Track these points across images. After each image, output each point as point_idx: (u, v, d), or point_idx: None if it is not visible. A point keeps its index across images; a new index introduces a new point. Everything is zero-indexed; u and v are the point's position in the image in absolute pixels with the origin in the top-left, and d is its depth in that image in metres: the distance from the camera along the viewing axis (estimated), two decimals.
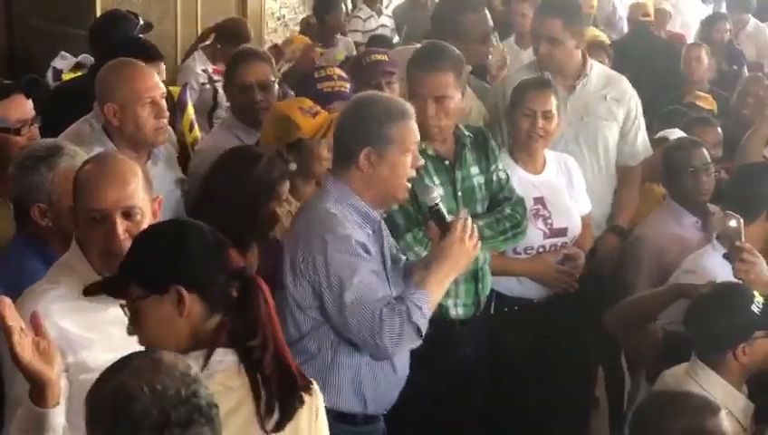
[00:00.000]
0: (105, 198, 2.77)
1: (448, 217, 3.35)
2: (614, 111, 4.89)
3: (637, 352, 4.20)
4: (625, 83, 5.01)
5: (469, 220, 3.34)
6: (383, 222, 3.45)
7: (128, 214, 2.78)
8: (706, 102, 6.47)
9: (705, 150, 4.63)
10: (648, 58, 7.55)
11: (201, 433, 1.97)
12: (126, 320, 2.48)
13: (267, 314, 2.43)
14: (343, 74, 4.49)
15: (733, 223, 3.84)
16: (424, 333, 3.22)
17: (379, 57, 4.62)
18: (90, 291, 2.52)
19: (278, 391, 2.39)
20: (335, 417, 3.03)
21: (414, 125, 3.34)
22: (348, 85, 4.40)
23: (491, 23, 5.25)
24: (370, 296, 3.18)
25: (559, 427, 4.51)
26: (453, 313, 4.00)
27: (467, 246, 3.28)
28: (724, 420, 2.96)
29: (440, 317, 3.90)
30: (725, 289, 3.60)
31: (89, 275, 2.75)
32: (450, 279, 3.32)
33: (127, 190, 2.79)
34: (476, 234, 3.33)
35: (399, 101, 3.45)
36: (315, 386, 2.57)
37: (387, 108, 3.33)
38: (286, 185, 3.69)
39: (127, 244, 2.65)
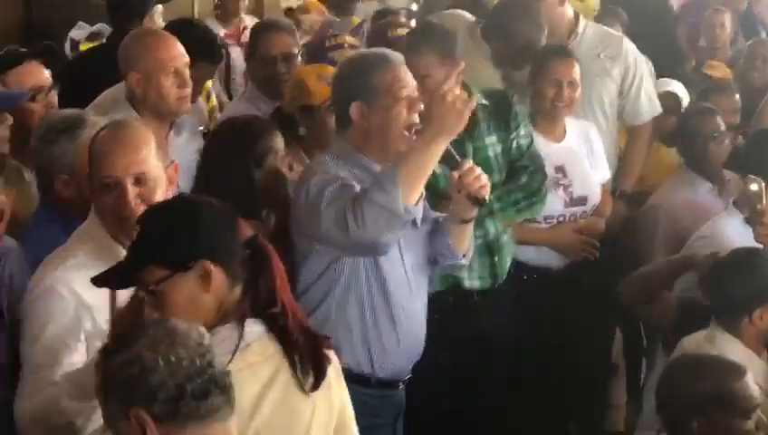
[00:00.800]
0: (115, 164, 2.80)
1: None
2: (608, 68, 4.88)
3: (652, 321, 4.22)
4: (624, 42, 5.00)
5: (470, 169, 3.19)
6: None
7: (139, 180, 2.80)
8: (718, 71, 6.39)
9: (718, 118, 4.61)
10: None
11: (216, 403, 1.96)
12: None
13: (281, 280, 2.42)
14: (355, 42, 4.49)
15: (754, 186, 3.83)
16: (402, 211, 3.00)
17: (404, 32, 4.59)
18: (100, 281, 2.47)
19: (307, 352, 2.41)
20: (349, 378, 2.97)
21: (402, 72, 3.27)
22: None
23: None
24: (342, 196, 3.12)
25: (578, 392, 4.55)
26: (467, 284, 3.99)
27: (450, 102, 3.04)
28: (751, 383, 3.01)
29: (457, 288, 3.96)
30: (742, 253, 3.61)
31: (107, 243, 2.80)
32: (438, 142, 3.07)
33: (137, 157, 2.81)
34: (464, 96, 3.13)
35: (385, 51, 3.41)
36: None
37: (369, 59, 3.32)
38: (275, 138, 3.55)
39: (139, 209, 2.66)
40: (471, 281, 4.00)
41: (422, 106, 3.25)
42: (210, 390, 1.95)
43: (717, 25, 7.03)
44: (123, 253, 2.61)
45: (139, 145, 2.83)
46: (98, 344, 2.23)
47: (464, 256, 3.45)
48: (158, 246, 2.36)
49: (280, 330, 2.38)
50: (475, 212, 3.30)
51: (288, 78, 4.40)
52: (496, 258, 4.03)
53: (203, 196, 2.56)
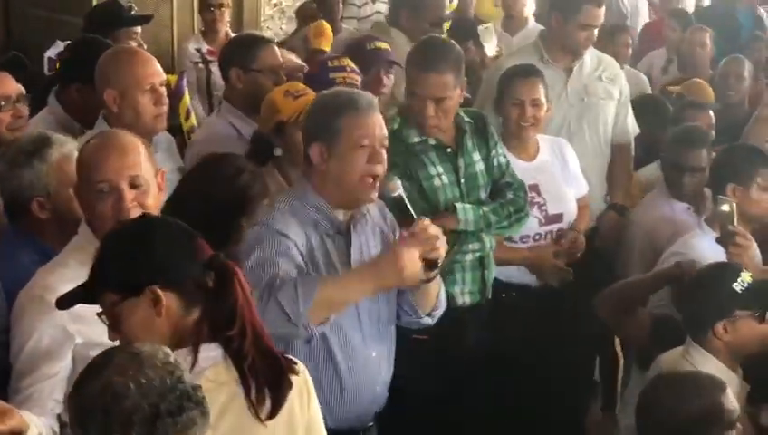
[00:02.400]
0: (110, 167, 2.82)
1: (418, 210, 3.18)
2: (610, 90, 4.96)
3: (627, 336, 4.24)
4: (615, 64, 5.11)
5: (423, 229, 2.99)
6: (362, 227, 3.22)
7: (134, 183, 2.83)
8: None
9: (702, 153, 4.58)
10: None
11: (192, 417, 1.99)
12: None
13: (244, 299, 2.36)
14: (355, 68, 4.41)
15: (725, 207, 3.84)
16: (299, 325, 2.90)
17: (383, 46, 4.60)
18: (63, 303, 2.46)
19: (265, 377, 2.35)
20: None
21: (369, 119, 3.10)
22: (359, 78, 4.34)
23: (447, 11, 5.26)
24: (265, 267, 2.97)
25: (560, 411, 4.54)
26: (460, 300, 4.01)
27: (402, 264, 2.91)
28: (731, 395, 3.04)
29: (448, 305, 3.94)
30: (709, 267, 3.62)
31: None
32: (373, 288, 2.99)
33: (130, 159, 2.84)
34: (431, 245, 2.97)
35: (355, 93, 3.25)
36: (302, 366, 2.50)
37: (337, 100, 3.15)
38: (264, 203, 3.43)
39: (135, 213, 2.68)
40: (463, 297, 4.02)
41: (384, 159, 3.10)
42: (183, 405, 1.99)
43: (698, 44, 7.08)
44: None
45: (131, 148, 2.86)
46: (92, 354, 2.24)
47: (429, 314, 3.29)
48: (109, 272, 2.35)
49: (234, 353, 2.34)
50: (431, 275, 3.06)
51: None
52: (486, 272, 4.07)
53: (165, 216, 2.54)
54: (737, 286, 3.44)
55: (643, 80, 6.87)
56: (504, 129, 4.45)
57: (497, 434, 4.30)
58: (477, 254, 3.99)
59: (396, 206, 3.16)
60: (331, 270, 3.10)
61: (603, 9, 4.86)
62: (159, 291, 2.30)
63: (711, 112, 5.38)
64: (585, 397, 5.06)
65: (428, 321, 3.33)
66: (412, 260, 2.93)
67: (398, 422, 3.45)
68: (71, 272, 2.73)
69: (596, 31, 4.86)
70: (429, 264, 3.02)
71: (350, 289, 3.00)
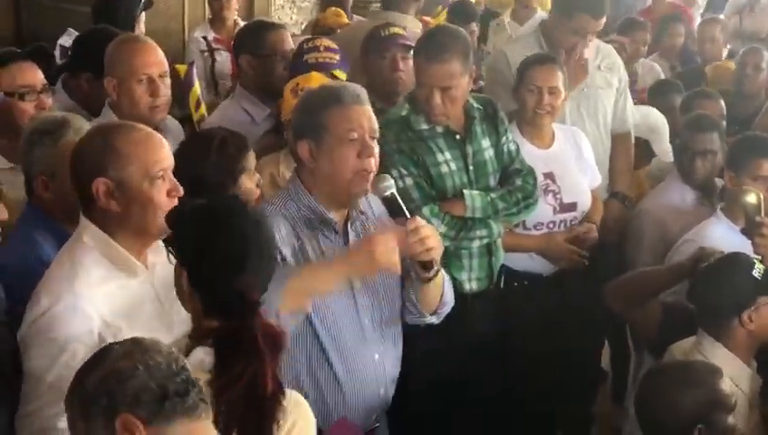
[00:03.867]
0: (163, 156, 2.76)
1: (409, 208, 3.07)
2: (609, 79, 4.94)
3: (638, 327, 4.22)
4: (614, 52, 5.08)
5: (415, 229, 2.95)
6: (360, 225, 3.17)
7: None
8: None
9: (714, 135, 4.57)
10: None
11: (195, 401, 2.00)
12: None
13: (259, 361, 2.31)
14: (332, 46, 4.38)
15: (752, 198, 3.81)
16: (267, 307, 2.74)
17: (399, 31, 4.58)
18: None
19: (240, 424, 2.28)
20: None
21: (355, 112, 3.02)
22: (336, 57, 4.30)
23: None
24: None
25: (568, 400, 4.53)
26: (467, 287, 4.01)
27: (373, 248, 2.87)
28: (727, 380, 3.06)
29: (455, 291, 3.93)
30: (724, 258, 3.60)
31: (118, 254, 2.73)
32: (345, 277, 2.98)
33: (167, 150, 2.82)
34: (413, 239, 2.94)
35: (341, 87, 3.16)
36: (294, 398, 2.44)
37: (323, 96, 3.07)
38: (249, 157, 3.47)
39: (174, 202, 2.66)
40: (470, 283, 4.01)
41: (377, 152, 3.04)
42: (189, 388, 1.99)
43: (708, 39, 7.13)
44: (134, 261, 2.63)
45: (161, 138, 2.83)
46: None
47: (434, 313, 3.26)
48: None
49: (217, 391, 2.26)
50: (428, 275, 3.07)
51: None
52: (493, 258, 4.06)
53: None
54: (756, 273, 3.43)
55: (658, 70, 6.86)
56: (519, 116, 4.43)
57: (505, 421, 4.29)
58: (485, 240, 3.97)
59: (388, 204, 3.05)
60: None
61: (602, 21, 4.75)
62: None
63: (721, 102, 5.36)
64: (594, 387, 5.05)
65: (434, 320, 3.29)
66: (386, 245, 2.87)
67: (406, 408, 3.46)
68: (99, 274, 2.69)
69: (590, 37, 4.78)
70: (424, 265, 3.00)
71: (320, 277, 2.92)
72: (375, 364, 3.15)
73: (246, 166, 3.45)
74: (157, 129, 3.82)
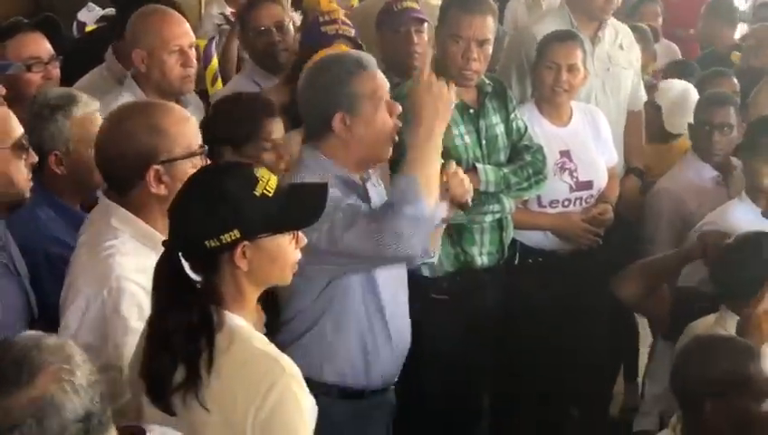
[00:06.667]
0: (198, 133, 2.75)
1: None
2: (630, 58, 4.91)
3: (649, 315, 4.21)
4: (628, 30, 5.04)
5: (455, 172, 3.17)
6: (372, 182, 3.22)
7: None
8: None
9: (731, 110, 4.54)
10: None
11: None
12: None
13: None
14: (348, 21, 4.37)
15: None
16: (431, 216, 2.96)
17: (411, 4, 4.57)
18: None
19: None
20: (341, 395, 3.02)
21: (378, 74, 3.09)
22: (353, 30, 4.29)
23: None
24: (359, 218, 2.97)
25: (581, 377, 4.51)
26: (478, 261, 4.00)
27: (437, 89, 3.02)
28: (766, 365, 2.98)
29: (466, 266, 3.95)
30: (748, 236, 3.58)
31: (144, 230, 2.68)
32: (436, 133, 3.02)
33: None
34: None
35: (353, 55, 3.21)
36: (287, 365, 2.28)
37: (343, 66, 3.08)
38: (274, 124, 3.47)
39: None
40: (481, 258, 4.00)
41: (400, 107, 3.10)
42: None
43: None
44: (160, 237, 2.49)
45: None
46: None
47: (433, 253, 3.35)
48: None
49: None
50: (453, 214, 3.26)
51: (284, 47, 4.45)
52: (504, 234, 4.05)
53: None
54: None
55: (675, 50, 6.79)
56: (537, 93, 4.39)
57: (516, 397, 4.31)
58: (497, 215, 3.96)
59: None
60: None
61: None
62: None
63: (734, 79, 5.31)
64: (610, 366, 5.04)
65: (433, 259, 3.39)
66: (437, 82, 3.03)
67: (416, 381, 3.49)
68: (127, 248, 2.64)
69: None
70: (460, 205, 3.22)
71: (428, 151, 3.00)
72: (404, 309, 3.27)
73: (266, 133, 3.44)
74: (177, 102, 3.87)
